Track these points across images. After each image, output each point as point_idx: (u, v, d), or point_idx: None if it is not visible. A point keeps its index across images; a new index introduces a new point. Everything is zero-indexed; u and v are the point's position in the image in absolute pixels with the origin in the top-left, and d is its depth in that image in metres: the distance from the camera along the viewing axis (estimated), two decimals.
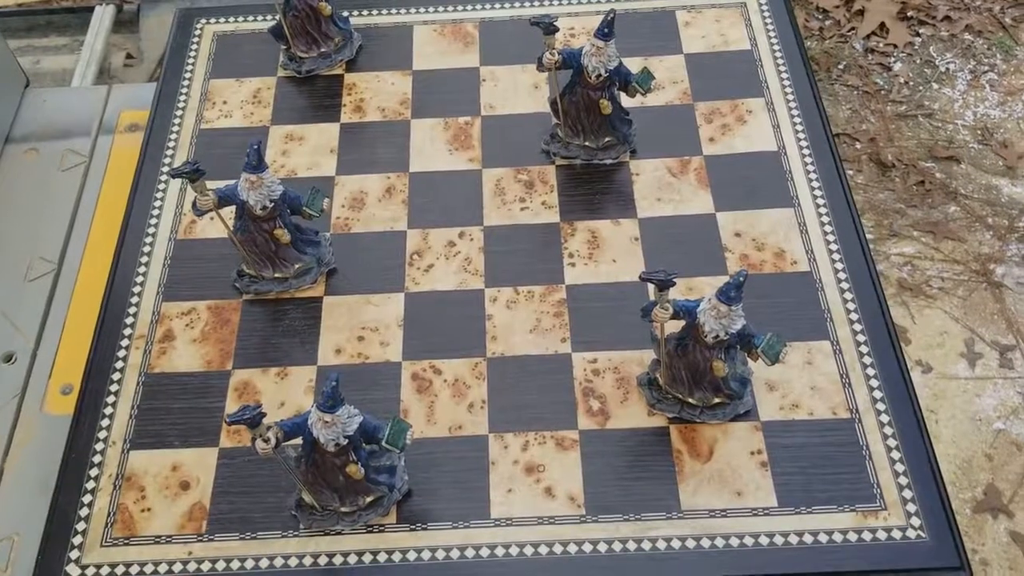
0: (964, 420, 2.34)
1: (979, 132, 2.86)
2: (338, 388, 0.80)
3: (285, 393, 0.97)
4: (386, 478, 0.88)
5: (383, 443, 0.82)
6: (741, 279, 0.82)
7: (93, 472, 0.92)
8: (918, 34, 3.09)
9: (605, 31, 1.00)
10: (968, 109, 2.91)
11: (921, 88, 2.96)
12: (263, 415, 0.78)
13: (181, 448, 0.94)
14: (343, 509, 0.88)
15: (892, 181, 2.75)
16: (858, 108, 2.87)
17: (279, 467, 0.84)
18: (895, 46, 3.05)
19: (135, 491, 0.91)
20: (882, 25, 3.09)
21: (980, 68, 3.00)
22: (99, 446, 0.94)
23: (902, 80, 2.98)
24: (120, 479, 0.92)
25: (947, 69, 3.00)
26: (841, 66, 2.97)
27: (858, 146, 2.78)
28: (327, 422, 0.81)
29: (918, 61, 3.01)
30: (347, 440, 0.82)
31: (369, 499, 0.88)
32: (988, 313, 2.50)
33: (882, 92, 2.94)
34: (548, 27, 1.00)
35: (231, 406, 0.96)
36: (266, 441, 0.79)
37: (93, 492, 0.91)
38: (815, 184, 1.09)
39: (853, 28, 3.07)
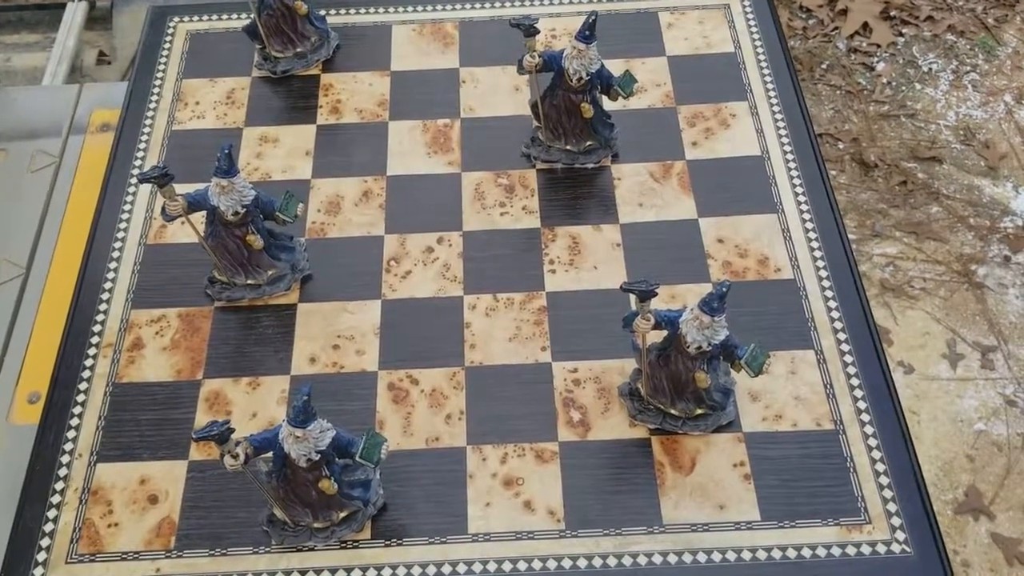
0: (946, 421, 2.34)
1: (961, 132, 2.86)
2: (310, 402, 0.77)
3: (257, 404, 0.94)
4: (360, 492, 0.85)
5: (357, 458, 0.80)
6: (724, 290, 0.81)
7: (59, 485, 0.90)
8: (901, 34, 3.09)
9: (586, 34, 0.98)
10: (950, 109, 2.91)
11: (904, 88, 2.96)
12: (231, 431, 0.75)
13: (150, 461, 0.91)
14: (316, 525, 0.86)
15: (875, 181, 2.75)
16: (841, 108, 2.87)
17: (250, 481, 0.82)
18: (878, 46, 3.05)
19: (102, 505, 0.88)
20: (865, 25, 3.08)
21: (962, 68, 3.00)
22: (65, 458, 0.91)
23: (885, 80, 2.97)
24: (86, 493, 0.89)
25: (930, 69, 3.00)
26: (824, 66, 2.96)
27: (841, 146, 2.78)
28: (298, 437, 0.78)
29: (901, 61, 3.01)
30: (319, 455, 0.80)
31: (343, 514, 0.86)
32: (970, 314, 2.51)
33: (865, 92, 2.94)
34: (529, 29, 0.98)
35: (201, 417, 0.93)
36: (235, 457, 0.77)
37: (58, 506, 0.88)
38: (799, 190, 1.07)
39: (836, 28, 3.06)
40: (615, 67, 1.09)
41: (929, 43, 3.05)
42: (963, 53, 3.05)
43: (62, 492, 0.89)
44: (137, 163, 1.11)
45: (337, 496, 0.83)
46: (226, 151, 0.87)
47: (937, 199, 2.72)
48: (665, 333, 0.87)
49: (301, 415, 0.77)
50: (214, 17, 1.25)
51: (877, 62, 3.02)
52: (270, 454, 0.81)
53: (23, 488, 0.90)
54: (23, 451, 0.94)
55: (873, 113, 2.89)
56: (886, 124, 2.87)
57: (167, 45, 1.22)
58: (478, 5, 1.25)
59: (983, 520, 2.22)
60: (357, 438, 0.81)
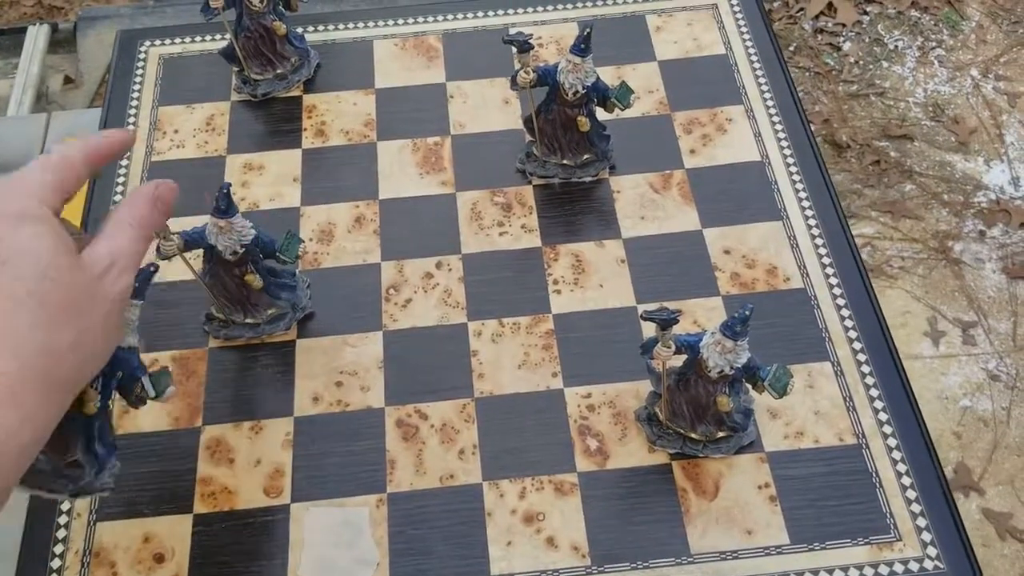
0: (931, 399, 2.35)
1: (930, 109, 2.86)
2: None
3: (261, 449, 0.90)
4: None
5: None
6: (747, 313, 0.78)
7: (58, 549, 0.85)
8: (866, 12, 3.08)
9: (582, 47, 0.95)
10: (919, 86, 2.91)
11: (871, 67, 2.95)
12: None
13: (153, 517, 0.87)
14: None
15: (848, 162, 2.74)
16: (810, 89, 2.86)
17: (260, 535, 0.79)
18: (844, 25, 3.04)
19: (105, 568, 0.84)
20: (830, 5, 3.08)
21: (928, 44, 3.00)
22: (62, 519, 0.87)
23: (852, 60, 2.97)
24: (88, 555, 0.85)
25: (896, 47, 2.99)
26: (791, 48, 2.95)
27: (812, 128, 2.76)
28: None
29: (867, 40, 3.01)
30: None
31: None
32: (949, 290, 2.51)
33: (833, 72, 2.93)
34: (523, 45, 0.94)
35: (203, 467, 0.89)
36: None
37: (59, 571, 0.84)
38: (802, 195, 1.05)
39: (802, 8, 3.05)
40: (605, 74, 1.06)
41: (894, 20, 3.05)
42: (928, 29, 3.05)
43: (62, 556, 0.85)
44: (116, 199, 1.06)
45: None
46: (225, 191, 0.83)
47: (910, 177, 2.72)
48: (684, 357, 0.85)
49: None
50: (187, 40, 1.20)
51: (844, 42, 3.02)
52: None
53: (19, 555, 0.85)
54: (16, 506, 0.89)
55: (842, 93, 2.89)
56: (856, 104, 2.87)
57: (140, 71, 1.17)
58: (460, 16, 1.21)
59: (973, 496, 2.23)
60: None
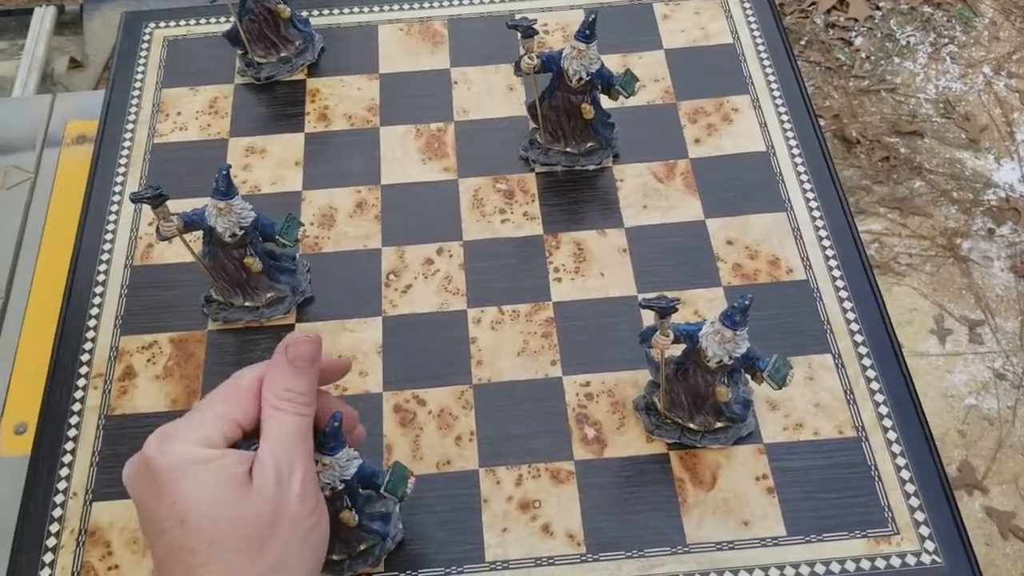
0: (936, 397, 2.34)
1: (941, 105, 2.84)
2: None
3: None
4: (380, 526, 0.81)
5: (382, 490, 0.76)
6: (746, 303, 0.78)
7: (53, 527, 0.85)
8: (878, 7, 3.06)
9: (586, 33, 0.94)
10: (930, 82, 2.89)
11: (883, 62, 2.94)
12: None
13: None
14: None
15: (857, 158, 2.72)
16: (821, 84, 2.85)
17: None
18: (856, 20, 3.02)
19: (100, 547, 0.84)
20: None
21: (940, 40, 2.98)
22: (59, 498, 0.87)
23: (864, 55, 2.96)
24: (83, 534, 0.85)
25: (908, 42, 2.98)
26: (803, 42, 2.94)
27: (822, 123, 2.76)
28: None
29: (879, 35, 2.99)
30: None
31: (361, 547, 0.81)
32: (956, 288, 2.50)
33: (844, 68, 2.92)
34: (527, 30, 0.94)
35: None
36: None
37: (55, 550, 0.84)
38: (807, 186, 1.04)
39: (813, 3, 3.03)
40: (611, 62, 1.05)
41: (906, 16, 3.03)
42: (940, 25, 3.03)
43: (57, 535, 0.85)
44: (119, 179, 1.06)
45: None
46: (224, 172, 0.83)
47: (920, 174, 2.71)
48: (683, 347, 0.84)
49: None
50: (192, 22, 1.20)
51: (855, 37, 3.00)
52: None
53: (16, 532, 0.86)
54: (15, 483, 0.89)
55: (853, 89, 2.87)
56: (867, 99, 2.85)
57: (144, 53, 1.17)
58: (466, 1, 1.20)
59: (977, 495, 2.23)
60: (381, 469, 0.76)
